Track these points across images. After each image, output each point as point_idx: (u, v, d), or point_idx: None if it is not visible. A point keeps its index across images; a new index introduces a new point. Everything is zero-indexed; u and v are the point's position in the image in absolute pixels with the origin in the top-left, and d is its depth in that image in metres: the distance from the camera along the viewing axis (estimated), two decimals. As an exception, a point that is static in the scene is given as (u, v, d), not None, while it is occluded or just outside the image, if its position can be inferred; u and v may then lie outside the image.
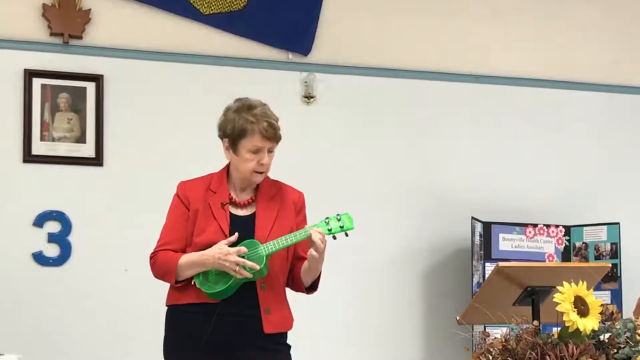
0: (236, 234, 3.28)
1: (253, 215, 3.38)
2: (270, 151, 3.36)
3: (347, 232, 3.32)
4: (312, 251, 3.25)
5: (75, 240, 4.72)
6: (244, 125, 3.33)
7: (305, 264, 3.36)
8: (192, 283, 3.32)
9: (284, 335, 3.43)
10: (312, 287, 3.46)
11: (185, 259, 3.31)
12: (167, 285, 3.45)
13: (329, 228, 3.30)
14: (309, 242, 3.28)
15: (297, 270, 3.42)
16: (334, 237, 3.32)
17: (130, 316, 4.74)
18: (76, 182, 4.76)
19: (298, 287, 3.46)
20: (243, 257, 3.25)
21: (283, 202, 3.43)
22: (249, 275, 3.23)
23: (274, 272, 3.35)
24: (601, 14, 5.77)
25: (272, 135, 3.34)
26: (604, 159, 5.70)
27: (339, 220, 3.32)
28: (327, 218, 3.33)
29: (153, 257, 3.39)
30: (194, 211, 3.37)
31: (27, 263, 4.66)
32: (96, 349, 4.70)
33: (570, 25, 5.70)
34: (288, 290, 3.50)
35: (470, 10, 5.51)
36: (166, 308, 3.43)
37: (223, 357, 3.31)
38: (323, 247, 3.26)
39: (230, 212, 3.37)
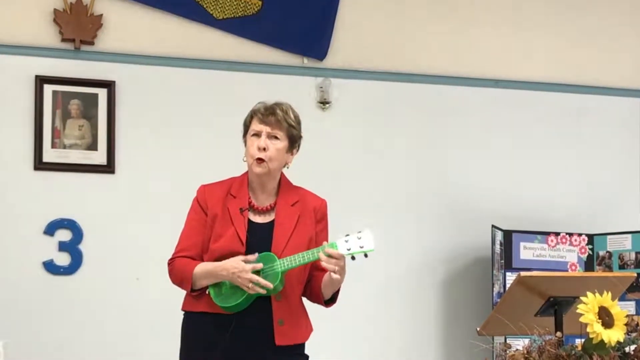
0: (256, 255, 3.23)
1: (272, 223, 3.34)
2: (273, 138, 3.30)
3: (367, 253, 3.24)
4: (332, 274, 3.21)
5: (87, 249, 4.70)
6: (248, 116, 3.37)
7: (326, 277, 3.31)
8: (207, 293, 3.29)
9: (299, 346, 3.38)
10: (331, 300, 3.41)
11: (200, 268, 3.27)
12: (179, 293, 3.41)
13: (348, 248, 3.22)
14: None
15: (316, 282, 3.37)
16: (353, 258, 3.24)
17: (142, 325, 4.71)
18: (87, 189, 4.74)
19: (316, 299, 3.41)
20: (258, 272, 3.21)
21: (304, 209, 3.38)
22: (262, 292, 3.20)
23: (290, 283, 3.30)
24: (624, 17, 5.72)
25: (271, 120, 3.29)
26: (628, 166, 5.64)
27: (359, 239, 3.24)
28: (347, 235, 3.26)
29: (171, 263, 3.36)
30: (212, 216, 3.33)
31: (38, 272, 4.64)
32: (108, 358, 4.67)
33: (592, 29, 5.65)
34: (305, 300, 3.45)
35: (489, 14, 5.47)
36: (182, 315, 3.40)
37: None
38: (341, 264, 3.19)
39: (248, 219, 3.32)
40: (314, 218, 3.38)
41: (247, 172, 3.41)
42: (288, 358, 3.31)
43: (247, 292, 3.20)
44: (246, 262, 3.20)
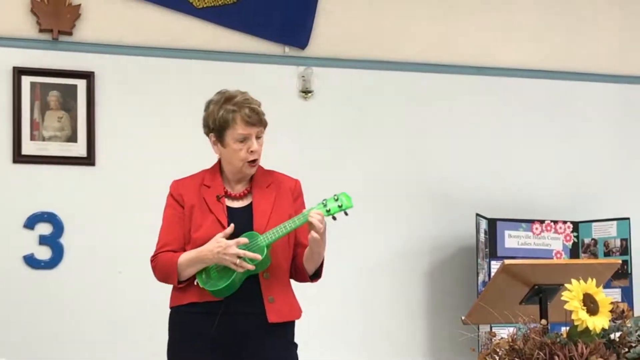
0: (232, 226, 3.23)
1: (250, 206, 3.35)
2: (258, 137, 3.33)
3: (347, 210, 3.27)
4: (312, 234, 3.21)
5: (68, 242, 4.65)
6: (226, 115, 3.30)
7: (307, 249, 3.32)
8: (195, 283, 3.28)
9: (290, 331, 3.38)
10: (315, 275, 3.41)
11: (184, 256, 3.27)
12: (163, 287, 3.39)
13: (328, 209, 3.25)
14: (308, 227, 3.23)
15: (300, 259, 3.38)
16: (334, 218, 3.27)
17: (125, 319, 4.67)
18: (68, 182, 4.68)
19: (302, 276, 3.41)
20: (243, 248, 3.19)
21: (279, 190, 3.40)
22: (250, 267, 3.18)
23: (277, 260, 3.30)
24: (607, 3, 5.70)
25: (256, 120, 3.31)
26: (613, 152, 5.63)
27: (336, 200, 3.27)
28: (324, 200, 3.28)
29: (153, 260, 3.35)
30: (189, 207, 3.33)
31: (18, 266, 4.58)
32: (90, 353, 4.62)
33: (575, 13, 5.63)
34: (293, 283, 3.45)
35: (471, 1, 5.43)
36: (167, 308, 3.38)
37: (229, 356, 3.26)
38: (322, 227, 3.21)
39: (226, 205, 3.33)
40: (290, 197, 3.40)
41: (217, 163, 3.43)
42: (281, 343, 3.31)
43: (235, 272, 3.18)
44: (225, 236, 3.20)
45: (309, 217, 3.20)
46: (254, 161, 3.32)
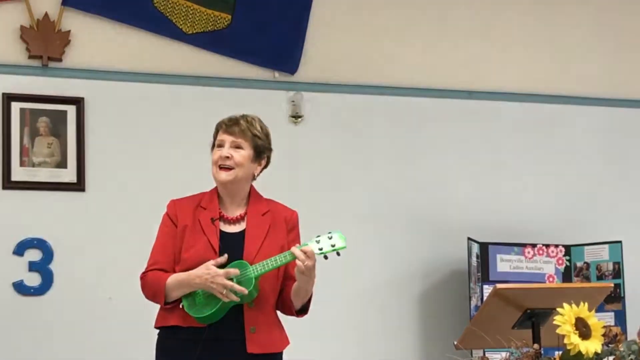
0: (225, 256, 3.22)
1: (242, 232, 3.34)
2: (237, 147, 3.32)
3: (339, 251, 3.24)
4: (298, 265, 3.18)
5: (57, 269, 4.61)
6: (214, 130, 3.40)
7: (295, 284, 3.30)
8: (180, 306, 3.27)
9: (274, 358, 3.35)
10: (302, 310, 3.39)
11: (172, 279, 3.26)
12: (153, 313, 3.38)
13: (320, 247, 3.22)
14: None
15: (288, 291, 3.36)
16: (325, 257, 3.24)
17: (115, 346, 4.62)
18: (57, 208, 4.66)
19: (288, 309, 3.39)
20: (231, 279, 3.17)
21: (274, 219, 3.39)
22: (236, 299, 3.18)
23: (264, 291, 3.29)
24: (596, 26, 5.72)
25: (234, 130, 3.32)
26: (604, 175, 5.62)
27: (330, 239, 3.24)
28: (318, 236, 3.25)
29: (143, 277, 3.36)
30: (182, 227, 3.33)
31: (8, 293, 4.55)
32: (80, 381, 4.58)
33: (564, 38, 5.65)
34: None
35: (461, 25, 5.45)
36: (156, 335, 3.37)
37: None
38: (310, 263, 3.18)
39: (219, 229, 3.33)
40: (285, 228, 3.38)
41: (216, 186, 3.41)
42: None
43: (221, 301, 3.17)
44: (216, 265, 3.19)
45: (293, 251, 3.18)
46: (225, 167, 3.30)
